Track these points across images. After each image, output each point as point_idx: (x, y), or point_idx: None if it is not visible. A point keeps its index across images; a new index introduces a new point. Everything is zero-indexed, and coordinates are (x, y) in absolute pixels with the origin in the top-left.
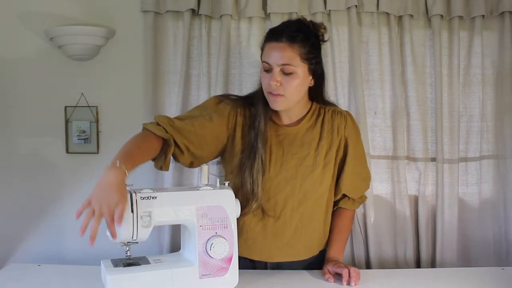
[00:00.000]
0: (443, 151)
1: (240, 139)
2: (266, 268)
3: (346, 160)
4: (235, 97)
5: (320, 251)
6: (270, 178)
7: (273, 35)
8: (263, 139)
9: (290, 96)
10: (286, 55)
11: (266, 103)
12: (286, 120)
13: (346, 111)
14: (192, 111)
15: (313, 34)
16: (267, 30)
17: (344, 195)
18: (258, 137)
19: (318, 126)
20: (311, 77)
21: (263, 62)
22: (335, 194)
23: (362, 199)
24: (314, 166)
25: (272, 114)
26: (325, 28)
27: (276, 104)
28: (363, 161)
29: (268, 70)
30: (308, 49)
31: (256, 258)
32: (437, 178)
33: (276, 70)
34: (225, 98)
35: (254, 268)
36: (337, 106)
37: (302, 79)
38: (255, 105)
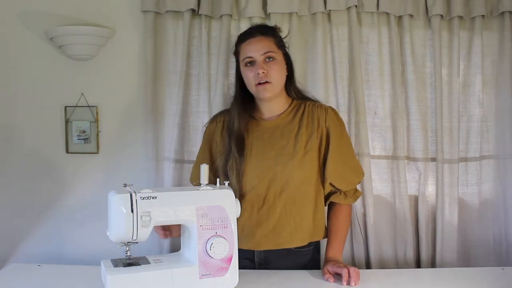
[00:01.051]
0: (443, 151)
1: (220, 142)
2: (253, 261)
3: (329, 149)
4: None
5: (313, 243)
6: (251, 169)
7: (247, 35)
8: (237, 137)
9: (275, 82)
10: (265, 44)
11: (242, 103)
12: (267, 114)
13: (330, 106)
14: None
15: (276, 30)
16: None
17: (336, 189)
18: (231, 136)
19: (297, 118)
20: (285, 66)
21: (244, 59)
22: (323, 185)
23: (356, 194)
24: (293, 154)
25: (253, 111)
26: (279, 28)
27: (265, 91)
28: (350, 153)
29: (251, 63)
30: (278, 38)
31: (244, 247)
32: (437, 178)
33: (260, 59)
34: (207, 123)
35: (254, 267)
36: (318, 102)
37: (281, 64)
38: (231, 109)
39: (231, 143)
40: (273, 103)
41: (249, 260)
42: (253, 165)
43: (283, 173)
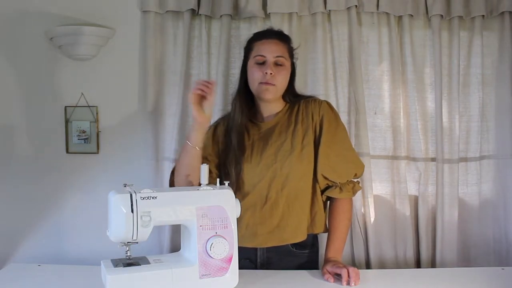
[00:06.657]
0: (443, 151)
1: (222, 144)
2: (255, 261)
3: (320, 140)
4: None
5: (314, 244)
6: (252, 168)
7: (263, 35)
8: (238, 132)
9: (279, 86)
10: (280, 48)
11: (245, 100)
12: (265, 113)
13: (325, 100)
14: None
15: (290, 40)
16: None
17: (332, 183)
18: (231, 131)
19: (293, 115)
20: (289, 74)
21: (256, 56)
22: (317, 178)
23: (355, 188)
24: (291, 150)
25: (251, 115)
26: (290, 40)
27: (267, 92)
28: (344, 144)
29: (262, 62)
30: (291, 47)
31: (248, 245)
32: (437, 178)
33: (271, 61)
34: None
35: (255, 267)
36: (313, 97)
37: (287, 72)
38: (232, 103)
39: (231, 137)
40: (272, 103)
41: (249, 260)
42: (254, 164)
43: (283, 169)
